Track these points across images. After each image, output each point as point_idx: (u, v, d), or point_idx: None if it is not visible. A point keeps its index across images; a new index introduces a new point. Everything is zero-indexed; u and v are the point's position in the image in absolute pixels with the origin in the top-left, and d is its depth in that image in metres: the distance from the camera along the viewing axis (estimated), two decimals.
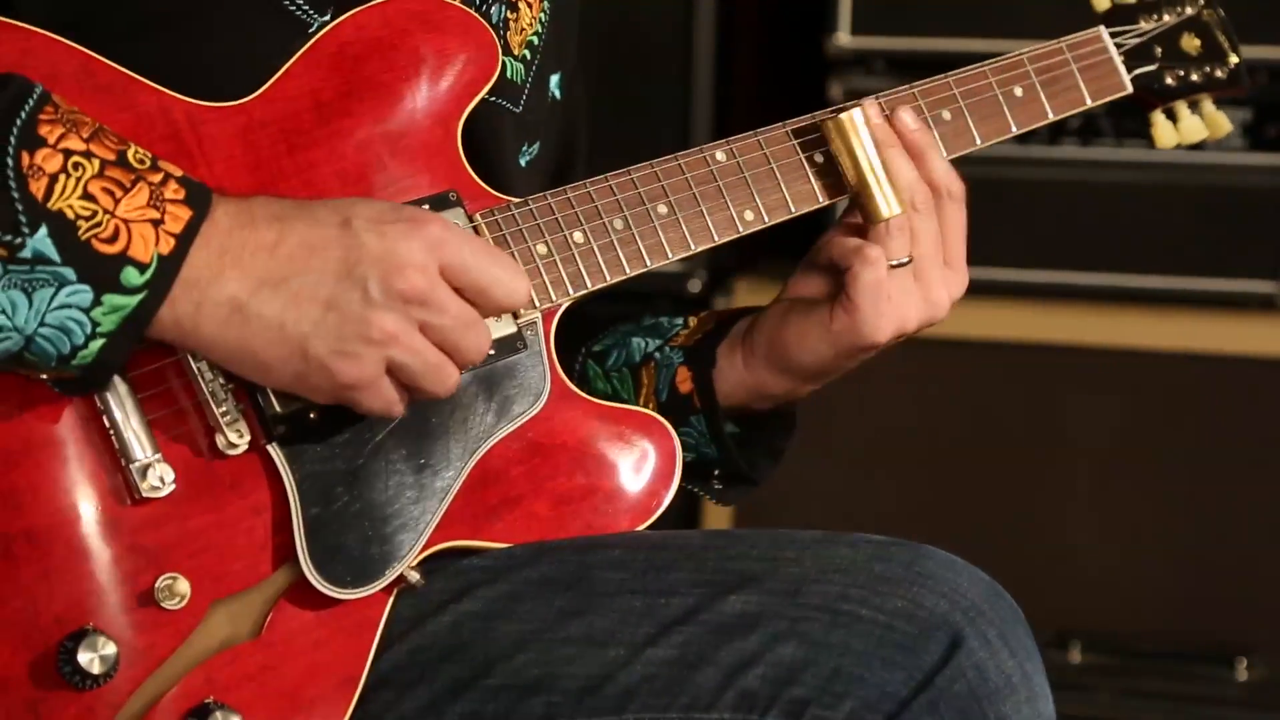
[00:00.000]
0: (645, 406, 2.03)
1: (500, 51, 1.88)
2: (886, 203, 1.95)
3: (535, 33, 2.01)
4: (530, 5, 2.00)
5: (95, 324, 1.63)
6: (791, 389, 2.03)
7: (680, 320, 2.08)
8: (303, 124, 1.79)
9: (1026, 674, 1.77)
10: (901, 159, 1.97)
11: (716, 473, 2.06)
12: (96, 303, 1.63)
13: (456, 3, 1.87)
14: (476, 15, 1.87)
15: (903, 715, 1.73)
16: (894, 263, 1.95)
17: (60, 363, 1.64)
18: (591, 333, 2.09)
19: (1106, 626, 3.56)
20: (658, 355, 2.05)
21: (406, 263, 1.69)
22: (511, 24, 1.98)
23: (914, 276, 1.96)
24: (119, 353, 1.65)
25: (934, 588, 1.77)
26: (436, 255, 1.70)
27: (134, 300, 1.64)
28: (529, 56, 2.00)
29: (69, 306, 1.62)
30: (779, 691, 1.75)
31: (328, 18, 1.83)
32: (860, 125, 1.95)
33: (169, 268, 1.64)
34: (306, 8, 1.83)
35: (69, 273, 1.62)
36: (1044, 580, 3.51)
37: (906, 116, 1.99)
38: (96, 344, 1.63)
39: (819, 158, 1.98)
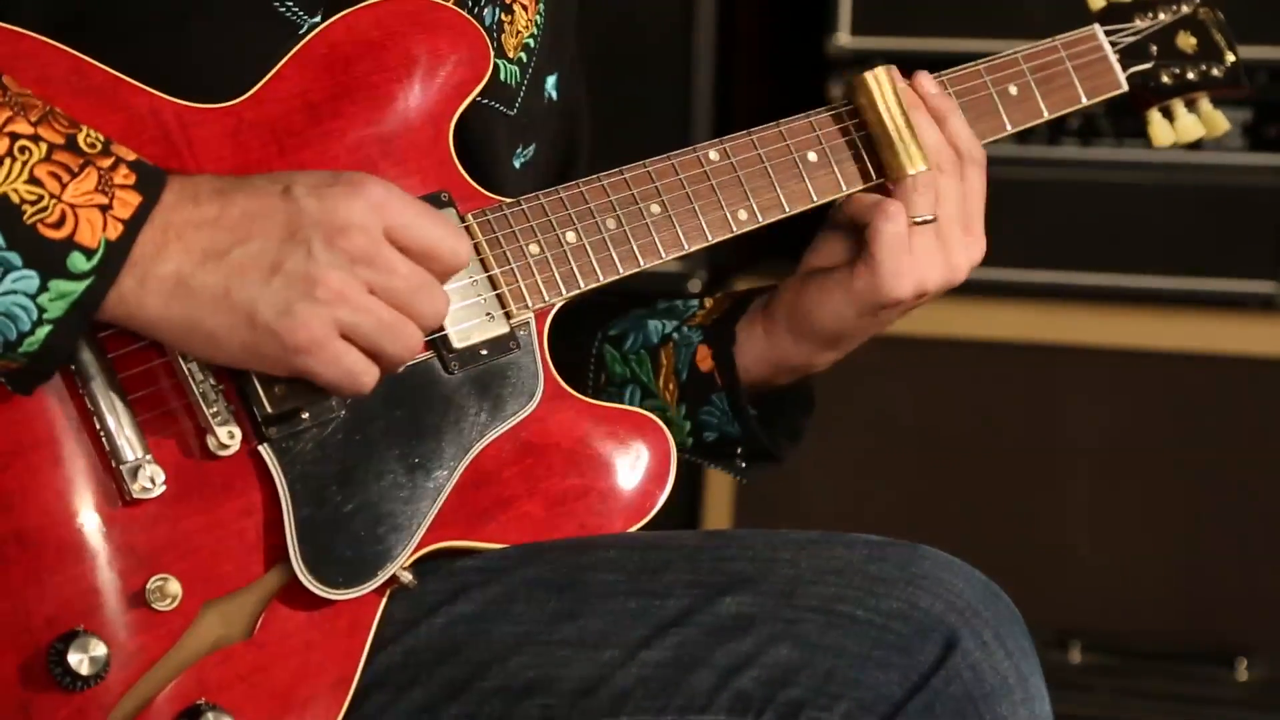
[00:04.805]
0: (665, 387, 2.04)
1: (493, 53, 1.88)
2: (910, 159, 1.97)
3: (531, 35, 2.00)
4: (525, 8, 1.99)
5: (42, 310, 1.62)
6: (811, 357, 2.03)
7: (695, 302, 2.09)
8: (294, 125, 1.79)
9: (1022, 675, 1.77)
10: (927, 121, 1.99)
11: (740, 450, 2.06)
12: (43, 289, 1.61)
13: (449, 4, 1.87)
14: (469, 17, 1.86)
15: (897, 717, 1.72)
16: (918, 219, 1.96)
17: (7, 350, 1.62)
18: (606, 319, 2.09)
19: (1106, 626, 3.55)
20: (676, 335, 2.05)
21: (348, 223, 1.67)
22: (506, 26, 1.97)
23: (936, 236, 1.97)
24: (66, 340, 1.63)
25: (929, 588, 1.77)
26: (379, 216, 1.68)
27: (81, 286, 1.62)
28: (525, 59, 2.00)
29: (15, 293, 1.61)
30: (774, 693, 1.74)
31: (318, 19, 1.83)
32: (885, 82, 1.98)
33: (116, 253, 1.63)
34: (297, 9, 1.83)
35: (14, 258, 1.61)
36: (1044, 580, 3.50)
37: (926, 82, 2.01)
38: (44, 330, 1.62)
39: (812, 156, 1.98)
